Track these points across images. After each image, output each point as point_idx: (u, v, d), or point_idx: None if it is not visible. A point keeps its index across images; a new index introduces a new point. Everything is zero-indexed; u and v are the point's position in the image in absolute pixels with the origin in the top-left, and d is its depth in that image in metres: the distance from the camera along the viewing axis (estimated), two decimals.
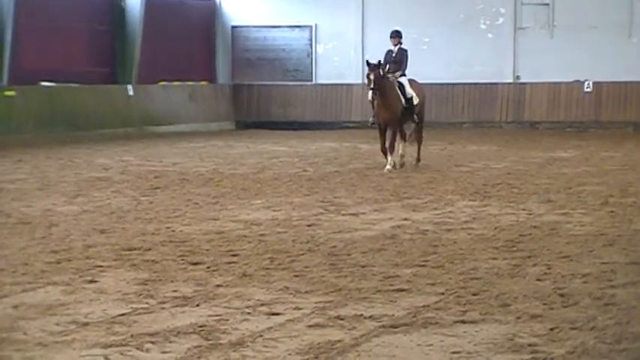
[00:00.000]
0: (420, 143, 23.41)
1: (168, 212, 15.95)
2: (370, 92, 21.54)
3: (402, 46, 22.95)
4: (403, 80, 22.37)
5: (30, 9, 31.50)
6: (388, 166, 21.72)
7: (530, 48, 36.32)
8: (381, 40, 37.27)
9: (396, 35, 23.01)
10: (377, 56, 36.60)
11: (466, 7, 36.70)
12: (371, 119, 22.62)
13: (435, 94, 37.00)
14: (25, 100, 31.26)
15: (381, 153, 22.13)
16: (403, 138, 22.80)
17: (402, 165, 22.49)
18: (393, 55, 22.64)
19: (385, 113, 21.77)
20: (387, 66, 22.02)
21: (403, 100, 22.07)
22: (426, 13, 37.07)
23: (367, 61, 21.98)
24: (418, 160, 23.27)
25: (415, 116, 22.77)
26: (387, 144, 21.91)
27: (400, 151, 22.51)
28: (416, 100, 22.45)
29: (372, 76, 21.25)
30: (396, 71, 22.34)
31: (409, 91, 22.27)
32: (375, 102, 21.74)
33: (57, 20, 33.38)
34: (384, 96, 21.54)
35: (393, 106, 21.82)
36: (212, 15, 39.58)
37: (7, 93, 30.75)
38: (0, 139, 29.14)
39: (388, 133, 21.99)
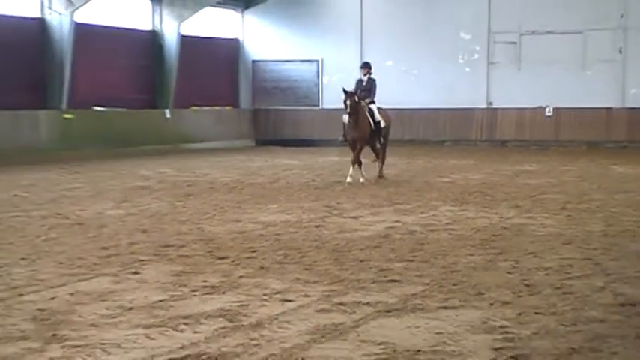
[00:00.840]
0: (383, 161, 22.81)
1: (199, 215, 15.95)
2: (346, 116, 21.20)
3: (372, 75, 22.47)
4: (373, 107, 22.01)
5: (85, 46, 31.54)
6: (362, 180, 21.36)
7: (501, 79, 36.33)
8: (376, 71, 37.41)
9: (366, 66, 22.66)
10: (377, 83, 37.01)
11: (448, 44, 36.70)
12: (340, 138, 22.17)
13: (422, 116, 37.11)
14: (81, 122, 31.32)
15: (352, 165, 21.61)
16: (377, 156, 22.59)
17: (365, 180, 21.55)
18: (363, 83, 22.19)
19: (355, 133, 21.33)
20: (358, 92, 21.63)
21: (372, 124, 21.75)
22: (415, 49, 37.09)
23: (344, 88, 21.46)
24: (380, 175, 22.51)
25: (381, 138, 22.43)
26: (354, 159, 21.51)
27: (362, 170, 21.79)
28: (383, 124, 22.13)
29: (348, 102, 20.90)
30: (366, 97, 21.87)
31: (377, 116, 21.92)
32: (347, 125, 21.42)
33: (107, 56, 33.47)
34: (356, 118, 21.15)
35: (363, 127, 21.42)
36: (236, 51, 39.63)
37: (66, 116, 30.81)
38: (60, 155, 29.19)
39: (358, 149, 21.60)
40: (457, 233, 13.81)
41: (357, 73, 37.17)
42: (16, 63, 30.07)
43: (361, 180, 21.24)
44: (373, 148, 22.45)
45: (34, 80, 30.62)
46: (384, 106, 35.36)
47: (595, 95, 34.79)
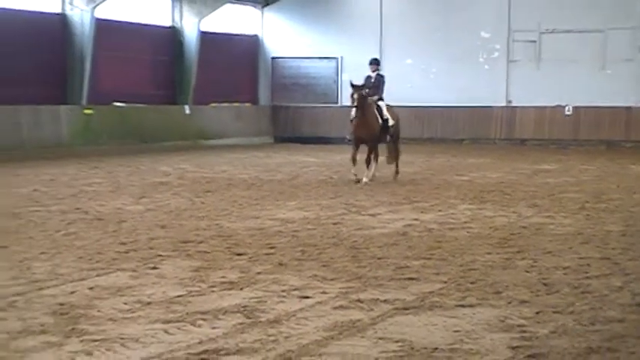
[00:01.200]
0: (397, 159, 22.34)
1: (218, 211, 15.98)
2: (354, 110, 20.60)
3: (380, 72, 22.20)
4: (381, 104, 21.55)
5: (106, 42, 31.66)
6: (357, 178, 20.82)
7: (520, 77, 36.26)
8: (395, 69, 37.46)
9: (374, 62, 22.27)
10: (395, 82, 37.02)
11: (467, 43, 36.66)
12: (348, 136, 21.55)
13: (440, 115, 37.08)
14: (101, 117, 31.43)
15: (351, 162, 21.11)
16: (376, 159, 21.63)
17: (372, 180, 21.14)
18: (372, 80, 21.73)
19: (363, 130, 20.82)
20: (366, 90, 21.15)
21: (380, 121, 21.26)
22: (434, 47, 37.06)
23: (351, 82, 21.13)
24: (397, 173, 22.08)
25: (389, 136, 21.83)
26: (365, 158, 20.98)
27: (373, 170, 21.40)
28: (391, 122, 21.57)
29: (355, 96, 20.49)
30: (374, 94, 21.44)
31: (386, 114, 21.41)
32: (355, 122, 20.81)
33: (128, 51, 33.59)
34: (363, 115, 20.68)
35: (371, 124, 20.94)
36: (256, 48, 39.69)
37: (86, 111, 30.91)
38: (80, 150, 29.31)
39: (360, 149, 21.07)
40: (475, 232, 13.79)
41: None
42: (38, 58, 30.20)
43: (364, 179, 20.78)
44: (375, 152, 21.61)
45: (55, 75, 30.75)
46: (402, 104, 35.56)
47: (614, 94, 34.69)
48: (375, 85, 21.58)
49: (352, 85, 20.76)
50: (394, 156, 22.25)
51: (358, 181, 20.62)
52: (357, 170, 20.84)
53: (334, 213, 15.86)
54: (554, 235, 13.50)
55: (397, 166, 22.18)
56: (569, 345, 7.47)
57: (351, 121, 20.87)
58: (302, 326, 8.05)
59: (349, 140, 21.49)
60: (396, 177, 21.86)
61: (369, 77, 21.83)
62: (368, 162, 21.03)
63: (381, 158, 21.98)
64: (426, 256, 11.58)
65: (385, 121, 21.31)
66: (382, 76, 21.99)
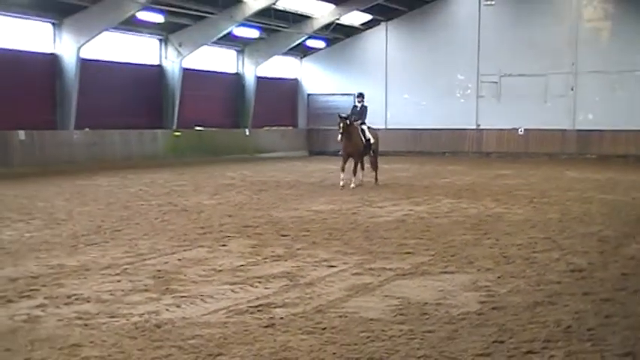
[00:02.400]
0: (376, 170, 21.17)
1: (269, 205, 16.00)
2: (340, 135, 19.64)
3: (364, 103, 21.02)
4: (364, 127, 20.68)
5: (189, 84, 31.77)
6: (341, 183, 19.78)
7: (486, 108, 36.09)
8: (396, 101, 37.48)
9: (360, 96, 21.32)
10: (396, 111, 36.98)
11: (448, 82, 36.51)
12: (340, 152, 20.60)
13: (428, 134, 36.92)
14: (186, 138, 31.54)
15: (340, 170, 20.13)
16: (362, 168, 20.84)
17: (360, 185, 20.24)
18: (357, 109, 20.82)
19: (350, 148, 20.03)
20: (353, 117, 20.26)
21: (364, 140, 20.39)
22: (424, 86, 36.95)
23: (339, 114, 20.25)
24: (376, 180, 21.01)
25: (372, 152, 20.91)
26: (352, 168, 20.06)
27: (360, 177, 20.58)
28: (372, 141, 20.72)
29: (341, 124, 19.70)
30: (359, 120, 20.54)
31: (368, 135, 20.60)
32: (344, 141, 19.91)
33: (205, 91, 33.69)
34: (350, 137, 19.94)
35: (356, 143, 20.10)
36: (296, 87, 39.71)
37: (176, 133, 31.05)
38: (171, 161, 29.45)
39: (350, 163, 20.11)
40: (454, 219, 13.75)
41: (382, 104, 37.53)
42: (143, 96, 30.42)
43: (352, 185, 19.65)
44: (361, 164, 20.68)
45: (154, 108, 30.90)
46: (401, 127, 35.47)
47: (553, 120, 34.50)
48: (359, 112, 20.80)
49: (339, 116, 20.00)
50: (375, 167, 21.30)
51: (343, 185, 19.69)
52: (344, 177, 19.96)
53: (352, 206, 15.85)
54: (511, 221, 13.44)
55: (376, 174, 21.27)
56: (521, 300, 7.44)
57: (340, 140, 20.00)
58: (329, 287, 8.07)
59: (340, 154, 20.68)
60: (376, 183, 20.89)
61: (355, 107, 20.98)
62: (355, 172, 20.19)
63: (367, 166, 21.23)
64: (419, 237, 11.56)
65: (367, 140, 20.56)
66: (365, 107, 21.09)
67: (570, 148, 34.52)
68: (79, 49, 26.45)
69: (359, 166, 20.52)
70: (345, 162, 20.13)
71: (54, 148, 25.79)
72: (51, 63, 26.47)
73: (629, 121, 32.93)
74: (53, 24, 26.54)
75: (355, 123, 20.34)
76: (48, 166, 24.73)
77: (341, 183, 19.80)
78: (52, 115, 26.64)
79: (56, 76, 26.57)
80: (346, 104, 38.59)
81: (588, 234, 11.84)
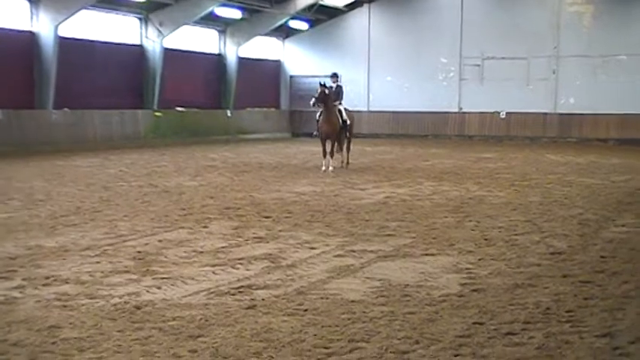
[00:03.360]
0: (348, 152, 20.79)
1: (251, 186, 15.98)
2: (313, 100, 19.30)
3: (339, 83, 20.85)
4: (341, 108, 20.33)
5: (171, 63, 31.56)
6: (324, 168, 19.40)
7: (469, 91, 36.13)
8: (379, 84, 37.43)
9: (334, 76, 20.81)
10: (379, 93, 36.95)
11: (431, 65, 36.46)
12: (315, 132, 20.41)
13: (411, 117, 36.94)
14: (167, 119, 31.36)
15: (322, 156, 19.72)
16: (341, 149, 20.53)
17: (342, 167, 20.19)
18: (333, 89, 20.24)
19: (328, 128, 19.63)
20: (327, 92, 19.41)
21: (340, 121, 20.02)
22: (407, 68, 36.88)
23: (320, 82, 19.79)
24: (347, 163, 20.62)
25: (347, 133, 20.63)
26: (329, 150, 19.56)
27: (341, 158, 20.46)
28: (348, 122, 20.41)
29: (319, 90, 19.19)
30: (336, 100, 20.13)
31: (345, 116, 20.26)
32: (320, 120, 19.61)
33: (187, 70, 33.52)
34: (327, 115, 19.41)
35: (334, 123, 19.67)
36: (279, 68, 39.54)
37: (157, 114, 30.87)
38: (152, 142, 29.32)
39: (328, 143, 19.76)
40: (436, 201, 13.79)
41: (365, 86, 37.48)
42: (123, 76, 30.20)
43: (330, 168, 19.39)
44: (340, 143, 20.37)
45: (135, 88, 30.68)
46: (384, 109, 35.51)
47: (535, 104, 34.62)
48: (336, 93, 20.35)
49: (320, 84, 19.50)
50: (348, 147, 20.86)
51: (325, 170, 19.33)
52: (327, 162, 19.61)
53: (335, 188, 15.86)
54: (492, 204, 13.50)
55: (348, 157, 20.87)
56: (502, 282, 7.49)
57: (317, 120, 19.83)
58: (311, 269, 8.08)
59: (316, 135, 20.33)
60: (346, 167, 20.38)
61: (330, 87, 20.23)
62: (332, 153, 19.79)
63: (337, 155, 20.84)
64: (401, 219, 11.59)
65: (344, 121, 20.27)
66: (341, 87, 20.81)
67: (552, 132, 34.68)
68: (56, 27, 26.16)
69: (336, 147, 20.22)
70: (324, 145, 19.80)
71: (32, 128, 25.56)
72: (28, 41, 26.16)
73: (610, 105, 33.10)
74: (30, 1, 26.20)
75: (333, 103, 19.94)
76: (26, 146, 24.53)
77: (323, 168, 19.58)
78: (30, 94, 26.37)
79: (34, 55, 26.27)
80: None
81: (568, 217, 11.91)
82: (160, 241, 9.59)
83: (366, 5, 37.66)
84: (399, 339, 5.64)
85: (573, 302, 6.72)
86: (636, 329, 5.91)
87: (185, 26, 31.81)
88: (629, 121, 33.01)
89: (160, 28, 30.70)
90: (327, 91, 19.50)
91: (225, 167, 20.54)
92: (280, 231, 10.40)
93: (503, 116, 35.38)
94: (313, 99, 19.46)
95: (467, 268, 8.12)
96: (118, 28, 30.24)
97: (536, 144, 33.28)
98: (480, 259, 8.59)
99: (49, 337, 5.67)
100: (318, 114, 19.67)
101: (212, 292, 7.00)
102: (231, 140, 33.19)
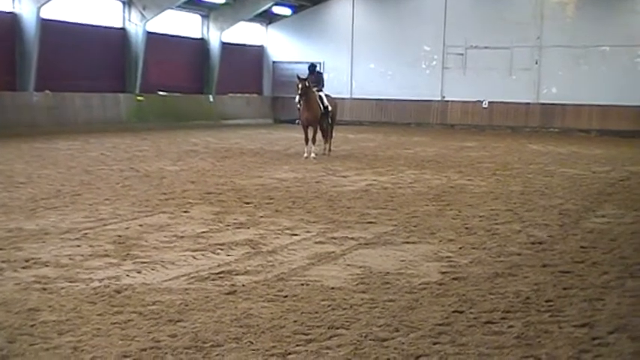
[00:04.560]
0: (330, 138, 20.71)
1: (232, 172, 15.94)
2: (298, 97, 19.14)
3: (319, 71, 20.76)
4: (322, 94, 20.18)
5: (154, 47, 31.34)
6: (305, 154, 19.30)
7: (451, 80, 36.15)
8: (362, 71, 37.40)
9: (312, 67, 20.44)
10: (362, 80, 36.92)
11: (414, 53, 36.44)
12: (297, 120, 20.26)
13: (394, 105, 36.93)
14: (149, 103, 31.19)
15: (304, 143, 19.59)
16: (324, 136, 20.43)
17: (324, 154, 20.13)
18: (313, 77, 20.03)
19: (309, 115, 19.31)
20: (308, 85, 19.30)
21: (322, 107, 19.86)
22: (390, 56, 36.83)
23: (298, 75, 19.47)
24: (329, 150, 20.53)
25: (329, 119, 20.41)
26: (310, 137, 19.41)
27: (323, 145, 20.41)
28: (330, 108, 20.27)
29: (300, 85, 19.00)
30: (316, 87, 19.93)
31: (326, 103, 20.12)
32: (301, 107, 19.36)
33: (170, 55, 33.31)
34: (308, 103, 19.24)
35: (314, 110, 19.51)
36: (261, 54, 39.38)
37: (139, 98, 30.66)
38: (133, 126, 29.15)
39: (310, 130, 19.56)
40: (417, 190, 13.82)
41: (348, 73, 37.44)
42: (105, 60, 29.96)
43: (312, 155, 19.29)
44: (323, 130, 20.25)
45: (117, 72, 30.46)
46: (367, 97, 35.50)
47: (518, 93, 34.71)
48: (316, 80, 20.23)
49: (298, 77, 19.34)
50: (330, 136, 20.78)
51: (307, 157, 19.22)
52: (309, 149, 19.51)
53: (316, 174, 15.85)
54: (473, 193, 13.54)
55: (330, 144, 20.78)
56: (482, 271, 7.51)
57: (298, 108, 19.64)
58: (292, 255, 8.07)
59: (297, 122, 20.12)
60: (328, 154, 20.29)
61: (310, 74, 20.09)
62: (314, 140, 19.65)
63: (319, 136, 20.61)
64: (382, 207, 11.60)
65: (325, 108, 20.08)
66: (321, 74, 20.70)
67: (534, 122, 34.81)
68: (39, 8, 25.92)
69: (319, 134, 20.10)
70: (306, 132, 19.68)
71: (13, 110, 25.35)
72: (10, 22, 25.89)
73: (592, 96, 33.25)
74: None
75: (314, 89, 19.83)
76: (7, 128, 24.31)
77: (305, 155, 19.48)
78: (11, 76, 26.12)
79: (16, 37, 26.00)
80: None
81: (549, 207, 11.97)
82: (140, 225, 9.56)
83: None
84: (378, 326, 5.65)
85: (553, 292, 6.75)
86: (615, 319, 5.95)
87: (168, 10, 31.60)
88: (611, 112, 33.18)
89: (143, 12, 30.47)
90: (307, 83, 19.37)
91: (207, 152, 20.47)
92: (261, 217, 10.38)
93: (486, 105, 35.47)
94: (297, 96, 19.23)
95: (447, 257, 8.14)
96: (101, 11, 30.00)
97: (518, 134, 33.40)
98: (460, 248, 8.61)
99: (28, 319, 5.63)
100: (297, 101, 19.35)
101: (192, 277, 6.98)
102: (213, 125, 33.06)
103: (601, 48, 33.53)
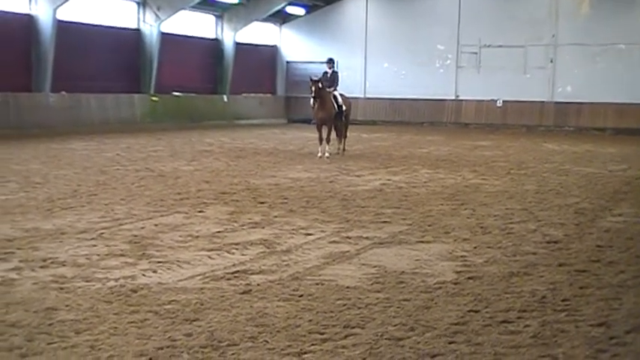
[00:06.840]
0: (345, 138, 20.63)
1: (246, 171, 15.97)
2: (312, 100, 19.04)
3: (335, 69, 20.65)
4: (337, 94, 20.13)
5: (168, 48, 31.43)
6: (320, 154, 19.29)
7: (465, 79, 36.07)
8: (375, 70, 37.35)
9: (330, 62, 20.52)
10: (375, 80, 36.87)
11: (428, 52, 36.39)
12: (313, 120, 20.32)
13: (408, 104, 36.88)
14: (163, 103, 31.27)
15: (318, 142, 19.61)
16: (338, 135, 20.36)
17: (338, 153, 20.11)
18: (328, 75, 20.21)
19: (323, 114, 19.27)
20: (325, 84, 19.52)
21: (336, 107, 19.82)
22: (404, 55, 36.78)
23: (310, 77, 19.53)
24: (343, 149, 20.53)
25: (343, 118, 20.31)
26: (324, 136, 19.36)
27: (337, 144, 20.35)
28: (344, 107, 20.19)
29: (313, 88, 18.97)
30: (330, 87, 19.93)
31: (340, 101, 20.07)
32: (315, 107, 19.29)
33: (184, 55, 33.37)
34: (322, 102, 19.17)
35: (328, 110, 19.45)
36: (275, 54, 39.42)
37: (153, 98, 30.76)
38: (148, 126, 29.22)
39: (324, 130, 19.39)
40: (432, 189, 13.80)
41: (361, 73, 37.39)
42: (119, 61, 30.05)
43: (326, 154, 19.27)
44: (337, 129, 20.22)
45: (132, 73, 30.56)
46: (381, 96, 35.46)
47: (532, 92, 34.58)
48: (330, 79, 20.20)
49: (311, 80, 19.35)
50: (344, 136, 20.72)
51: (321, 156, 19.23)
52: (323, 148, 19.50)
53: (330, 174, 15.85)
54: (488, 192, 13.51)
55: (344, 143, 20.74)
56: (497, 270, 7.49)
57: (313, 107, 19.51)
58: (306, 255, 8.08)
59: (313, 122, 20.25)
60: (342, 153, 20.27)
61: (325, 73, 20.34)
62: (329, 140, 19.65)
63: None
64: (397, 206, 11.59)
65: (339, 107, 20.03)
66: (336, 72, 20.62)
67: (548, 120, 34.66)
68: (55, 10, 26.06)
69: (333, 134, 20.04)
70: (320, 131, 19.65)
71: (30, 111, 25.50)
72: (27, 24, 26.05)
73: (607, 94, 33.07)
74: None
75: (328, 89, 19.79)
76: (23, 129, 24.46)
77: (319, 154, 19.48)
78: (27, 77, 26.26)
79: (32, 38, 26.16)
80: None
81: (565, 206, 11.92)
82: (155, 225, 9.59)
83: None
84: (393, 325, 5.64)
85: (569, 291, 6.73)
86: (632, 319, 5.91)
87: (182, 11, 31.69)
88: (627, 111, 32.99)
89: (158, 13, 30.56)
90: (320, 85, 19.30)
91: (221, 152, 20.51)
92: (275, 216, 10.39)
93: (500, 104, 35.36)
94: (312, 100, 19.23)
95: (462, 256, 8.13)
96: (116, 13, 30.12)
97: (532, 132, 33.28)
98: (475, 247, 8.59)
99: (45, 318, 5.66)
100: (312, 104, 19.37)
101: (207, 277, 7.00)
102: (227, 125, 33.10)
103: (617, 46, 33.34)
